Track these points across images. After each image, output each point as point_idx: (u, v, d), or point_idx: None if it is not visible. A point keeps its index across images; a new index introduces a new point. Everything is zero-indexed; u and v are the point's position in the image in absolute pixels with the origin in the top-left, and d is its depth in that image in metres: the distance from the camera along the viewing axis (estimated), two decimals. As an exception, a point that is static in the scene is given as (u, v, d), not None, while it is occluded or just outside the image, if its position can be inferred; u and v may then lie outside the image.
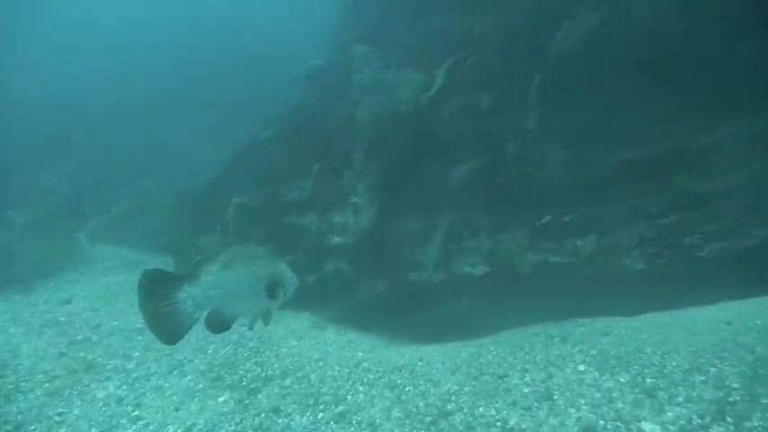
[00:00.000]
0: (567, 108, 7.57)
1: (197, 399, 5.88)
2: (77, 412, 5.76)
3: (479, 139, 7.57)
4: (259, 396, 5.86)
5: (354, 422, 5.25)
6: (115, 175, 17.48)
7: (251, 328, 5.45)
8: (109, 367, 6.78)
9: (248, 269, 4.01)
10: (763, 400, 4.66)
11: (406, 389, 5.76)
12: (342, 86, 9.03)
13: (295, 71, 11.68)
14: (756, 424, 4.42)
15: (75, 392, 6.18)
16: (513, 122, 7.61)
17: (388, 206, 7.49)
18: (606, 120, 7.48)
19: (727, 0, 6.80)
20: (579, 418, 4.87)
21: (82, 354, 7.22)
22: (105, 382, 6.38)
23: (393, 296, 7.15)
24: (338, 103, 8.90)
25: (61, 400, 6.01)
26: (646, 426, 4.67)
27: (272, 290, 3.99)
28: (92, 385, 6.34)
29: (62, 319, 8.58)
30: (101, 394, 6.11)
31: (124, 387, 6.24)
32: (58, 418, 5.65)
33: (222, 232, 9.01)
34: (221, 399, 5.85)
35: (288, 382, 6.13)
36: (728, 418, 4.53)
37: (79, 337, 7.79)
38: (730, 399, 4.75)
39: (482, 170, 7.47)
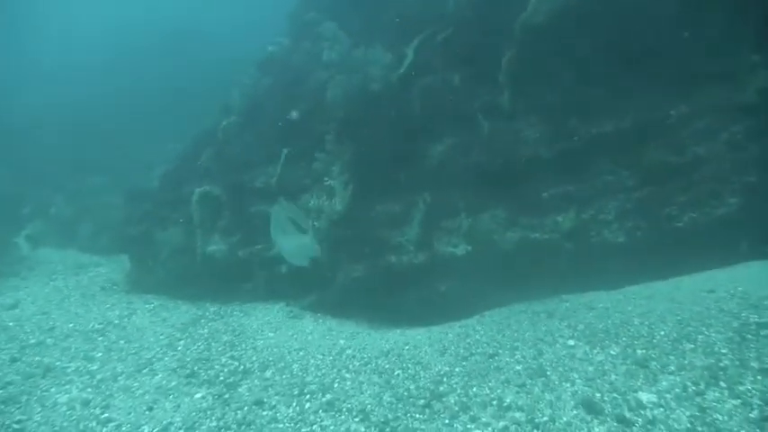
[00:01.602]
0: (538, 84, 7.50)
1: (171, 397, 5.50)
2: (38, 418, 5.29)
3: (453, 116, 7.40)
4: (239, 390, 5.52)
5: (344, 410, 5.00)
6: (54, 175, 16.55)
7: None
8: (70, 370, 6.29)
9: None
10: (753, 364, 4.66)
11: (395, 373, 5.54)
12: (305, 69, 8.71)
13: (251, 59, 11.29)
14: (750, 387, 4.41)
15: (34, 398, 5.69)
16: (485, 99, 7.48)
17: (364, 188, 7.23)
18: (577, 94, 7.43)
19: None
20: (575, 392, 4.77)
21: (37, 358, 6.68)
22: (67, 386, 5.91)
23: (373, 280, 6.90)
24: (303, 86, 8.57)
25: (18, 407, 5.51)
26: (642, 396, 4.60)
27: None
28: (52, 390, 5.86)
29: (9, 323, 7.94)
30: (63, 398, 5.64)
31: (89, 389, 5.78)
32: (16, 426, 5.17)
33: (186, 223, 8.57)
34: (198, 395, 5.49)
35: (269, 373, 5.81)
36: (722, 383, 4.51)
37: (32, 341, 7.22)
38: (721, 364, 4.73)
39: (458, 148, 7.30)
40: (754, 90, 7.00)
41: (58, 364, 6.46)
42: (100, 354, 6.66)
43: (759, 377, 4.49)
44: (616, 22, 7.17)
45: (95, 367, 6.30)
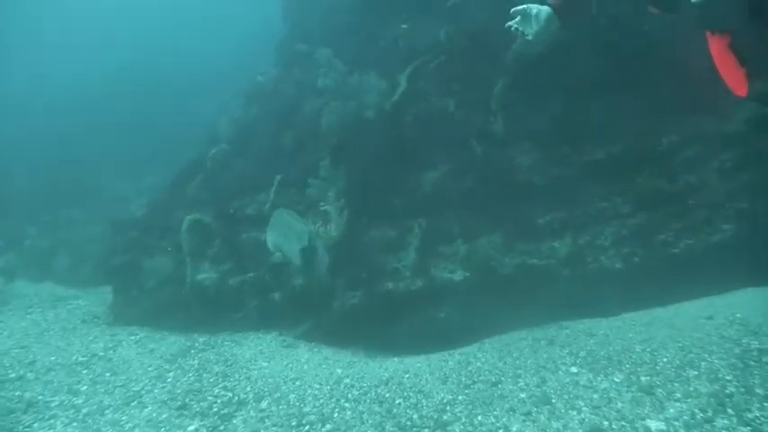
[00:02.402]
0: (530, 111, 7.58)
1: (163, 430, 5.26)
2: (21, 455, 5.02)
3: (447, 143, 7.43)
4: (234, 421, 5.31)
5: (346, 441, 4.83)
6: (27, 208, 16.17)
7: None
8: (53, 404, 6.00)
9: None
10: (759, 391, 4.60)
11: (397, 402, 5.39)
12: (297, 97, 8.72)
13: (235, 90, 11.33)
14: (758, 414, 4.34)
15: (16, 434, 5.42)
16: (479, 126, 7.53)
17: (359, 214, 7.18)
18: (569, 122, 7.52)
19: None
20: (582, 420, 4.66)
21: (18, 392, 6.36)
22: (51, 421, 5.63)
23: (370, 307, 6.77)
24: (296, 114, 8.56)
25: (-1, 444, 5.24)
26: (651, 424, 4.51)
27: None
28: (35, 425, 5.57)
29: (-14, 358, 7.60)
30: (47, 434, 5.38)
31: (74, 424, 5.52)
32: (-3, 464, 4.90)
33: (174, 252, 8.38)
34: (191, 427, 5.26)
35: (264, 404, 5.61)
36: (730, 411, 4.43)
37: (11, 375, 6.89)
38: (727, 391, 4.66)
39: (452, 174, 7.32)
40: (742, 120, 7.14)
41: (40, 398, 6.17)
42: (85, 387, 6.38)
43: (766, 404, 4.43)
44: (607, 48, 7.32)
45: (81, 401, 6.03)
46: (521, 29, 4.04)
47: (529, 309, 6.64)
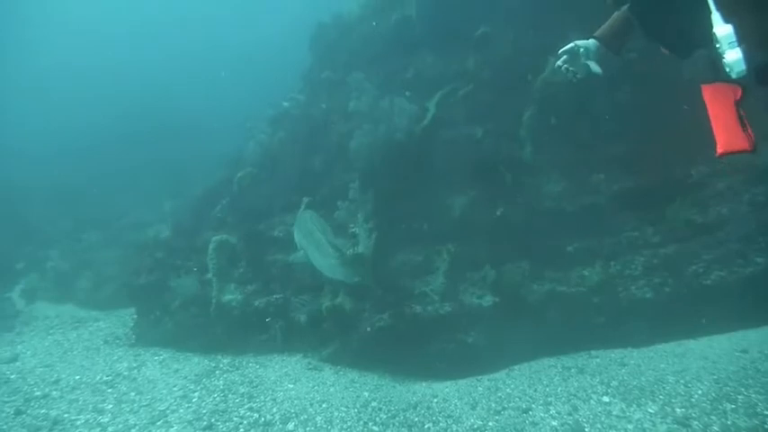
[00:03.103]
0: (558, 139, 7.60)
1: (188, 450, 5.23)
2: (47, 473, 4.99)
3: (476, 169, 7.46)
4: (261, 443, 5.27)
5: (375, 465, 4.75)
6: (48, 231, 16.34)
7: None
8: (79, 423, 5.98)
9: None
10: (800, 426, 4.48)
11: (426, 426, 5.31)
12: (325, 120, 8.84)
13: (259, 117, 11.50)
14: (800, 450, 4.22)
15: (42, 453, 5.39)
16: (508, 153, 7.57)
17: (387, 237, 7.18)
18: (597, 151, 7.53)
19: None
20: (617, 451, 4.56)
21: (44, 410, 6.36)
22: (77, 439, 5.62)
23: (397, 331, 6.72)
24: (324, 137, 8.66)
25: (25, 462, 5.21)
26: (689, 457, 4.40)
27: None
28: (61, 443, 5.56)
29: (12, 376, 7.59)
30: (73, 452, 5.35)
31: (100, 442, 5.50)
32: (25, 481, 4.87)
33: (200, 272, 8.41)
34: (217, 448, 5.22)
35: (291, 426, 5.55)
36: (770, 446, 4.32)
37: (37, 393, 6.90)
38: (767, 426, 4.54)
39: (481, 200, 7.33)
40: (772, 153, 7.08)
41: (66, 416, 6.15)
42: (110, 406, 6.36)
43: (808, 439, 4.33)
44: (635, 82, 7.36)
45: (106, 419, 6.00)
46: (572, 68, 3.90)
47: (558, 336, 6.59)
